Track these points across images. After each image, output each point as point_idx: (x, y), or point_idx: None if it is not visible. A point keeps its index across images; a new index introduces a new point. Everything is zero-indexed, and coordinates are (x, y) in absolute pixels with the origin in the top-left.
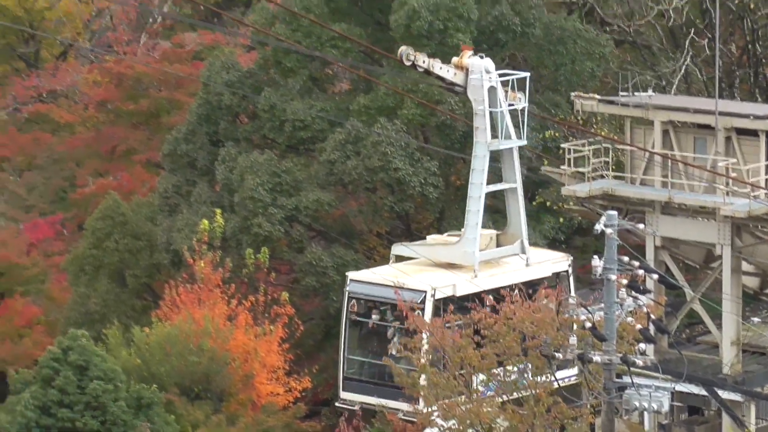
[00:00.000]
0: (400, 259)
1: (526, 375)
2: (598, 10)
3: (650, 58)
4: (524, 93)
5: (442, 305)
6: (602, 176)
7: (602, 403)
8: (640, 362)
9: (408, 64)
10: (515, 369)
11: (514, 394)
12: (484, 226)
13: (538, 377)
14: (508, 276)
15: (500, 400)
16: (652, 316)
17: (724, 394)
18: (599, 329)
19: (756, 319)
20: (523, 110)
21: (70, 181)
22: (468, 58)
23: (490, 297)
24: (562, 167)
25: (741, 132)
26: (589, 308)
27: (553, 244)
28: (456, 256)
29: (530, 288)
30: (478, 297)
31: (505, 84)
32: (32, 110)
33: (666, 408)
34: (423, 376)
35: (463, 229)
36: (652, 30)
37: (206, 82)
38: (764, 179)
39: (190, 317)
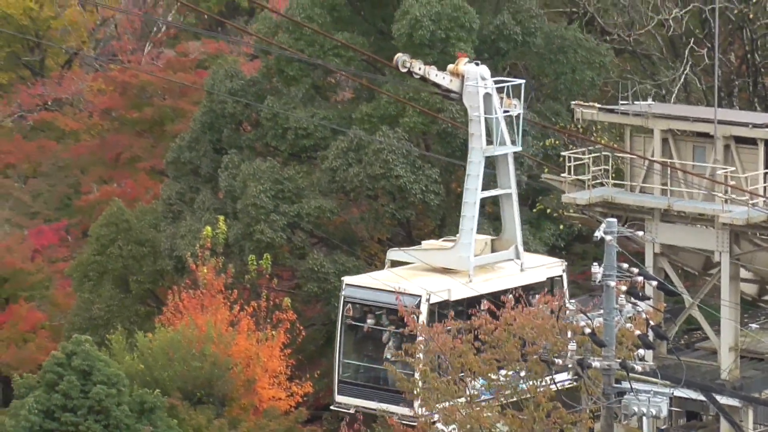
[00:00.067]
0: (395, 264)
1: (524, 380)
2: (598, 19)
3: (650, 67)
4: (519, 100)
5: (437, 309)
6: (602, 184)
7: (601, 408)
8: (639, 368)
9: (404, 70)
10: (513, 373)
11: (513, 397)
12: (485, 233)
13: (537, 381)
14: (503, 281)
15: (498, 403)
16: (651, 322)
17: (722, 400)
18: (599, 335)
19: (754, 326)
20: (518, 117)
21: (74, 188)
22: (464, 65)
23: (485, 301)
24: (562, 175)
25: (740, 140)
26: (588, 314)
27: (553, 251)
28: (451, 261)
29: (525, 293)
30: (472, 301)
31: (500, 91)
32: (37, 118)
33: (664, 413)
34: (418, 377)
35: (458, 235)
36: (652, 39)
37: (210, 90)
38: (763, 187)
39: (193, 323)
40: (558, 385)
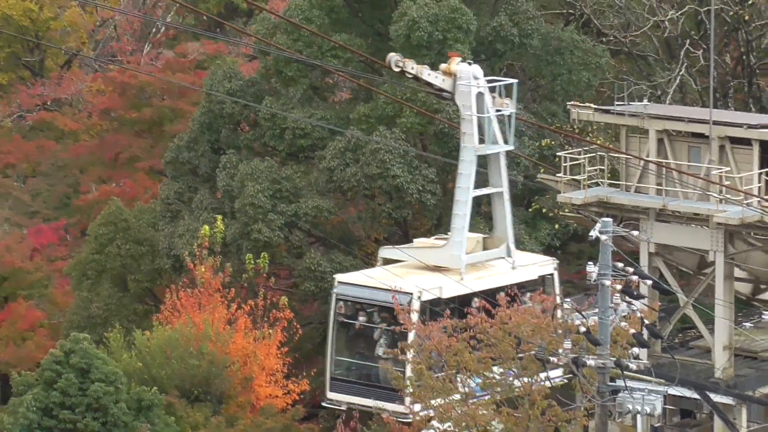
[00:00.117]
0: (387, 262)
1: (518, 377)
2: (594, 21)
3: (646, 68)
4: (512, 99)
5: (429, 307)
6: (597, 184)
7: (596, 406)
8: (633, 366)
9: (397, 70)
10: (508, 372)
11: (506, 394)
12: (481, 231)
13: (530, 378)
14: (495, 279)
15: (492, 400)
16: (646, 321)
17: (716, 398)
18: (594, 334)
19: (748, 324)
20: (510, 116)
21: (73, 187)
22: (456, 64)
23: (476, 299)
24: (558, 175)
25: (735, 141)
26: (583, 313)
27: (548, 250)
28: (443, 259)
29: (517, 291)
30: (464, 299)
31: (492, 90)
32: (37, 118)
33: (659, 411)
34: (409, 373)
35: (449, 233)
36: (648, 41)
37: (208, 91)
38: (757, 187)
39: (191, 321)
40: (551, 381)
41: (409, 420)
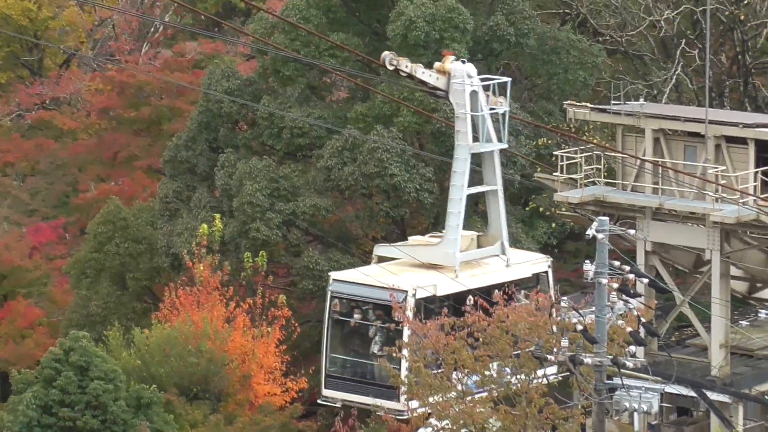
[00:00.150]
0: (382, 259)
1: (515, 374)
2: (591, 20)
3: (642, 67)
4: (505, 97)
5: (423, 304)
6: (594, 183)
7: (593, 404)
8: (630, 364)
9: (391, 68)
10: (505, 370)
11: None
12: (478, 230)
13: (528, 376)
14: (489, 276)
15: (490, 398)
16: (643, 319)
17: (712, 396)
18: (590, 332)
19: (744, 323)
20: (504, 114)
21: (72, 186)
22: (450, 63)
23: (471, 297)
24: (554, 174)
25: (730, 140)
26: (580, 311)
27: (545, 249)
28: (437, 257)
29: (511, 288)
30: (459, 297)
31: (486, 89)
32: (35, 117)
33: (655, 409)
34: (405, 370)
35: (444, 230)
36: (644, 40)
37: (206, 90)
38: (753, 186)
39: (189, 319)
40: (548, 379)
41: (406, 417)
